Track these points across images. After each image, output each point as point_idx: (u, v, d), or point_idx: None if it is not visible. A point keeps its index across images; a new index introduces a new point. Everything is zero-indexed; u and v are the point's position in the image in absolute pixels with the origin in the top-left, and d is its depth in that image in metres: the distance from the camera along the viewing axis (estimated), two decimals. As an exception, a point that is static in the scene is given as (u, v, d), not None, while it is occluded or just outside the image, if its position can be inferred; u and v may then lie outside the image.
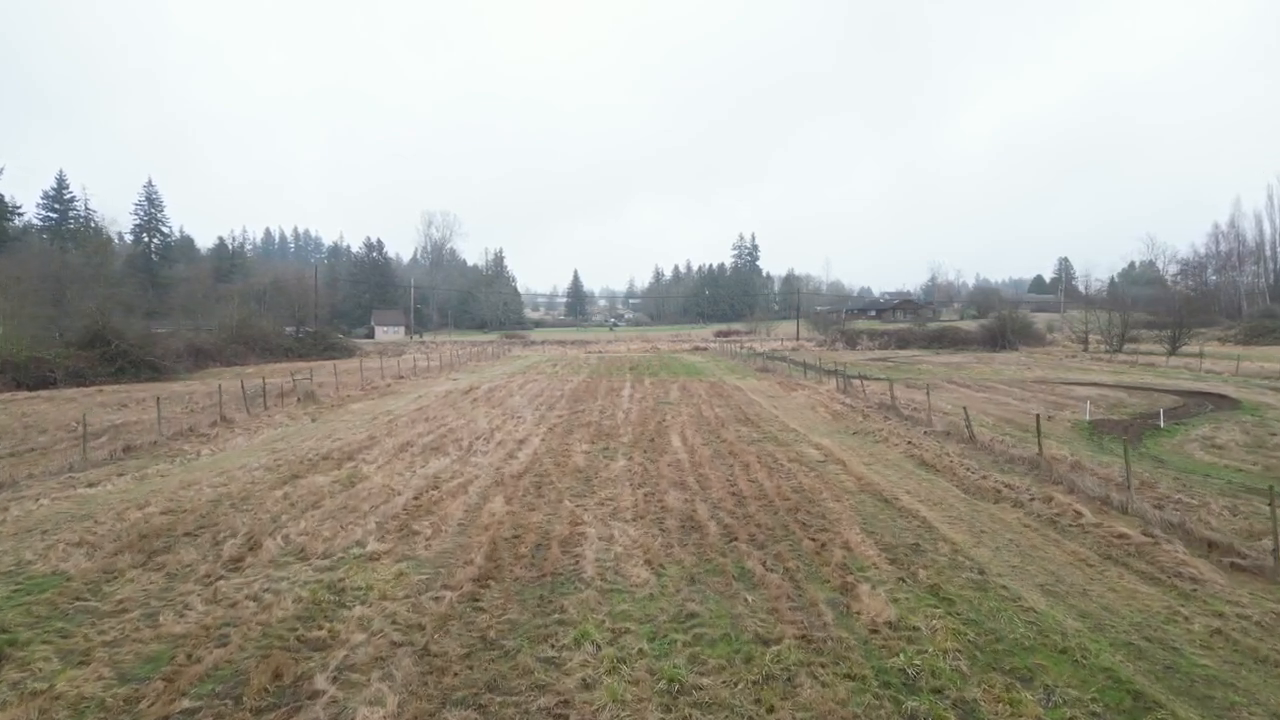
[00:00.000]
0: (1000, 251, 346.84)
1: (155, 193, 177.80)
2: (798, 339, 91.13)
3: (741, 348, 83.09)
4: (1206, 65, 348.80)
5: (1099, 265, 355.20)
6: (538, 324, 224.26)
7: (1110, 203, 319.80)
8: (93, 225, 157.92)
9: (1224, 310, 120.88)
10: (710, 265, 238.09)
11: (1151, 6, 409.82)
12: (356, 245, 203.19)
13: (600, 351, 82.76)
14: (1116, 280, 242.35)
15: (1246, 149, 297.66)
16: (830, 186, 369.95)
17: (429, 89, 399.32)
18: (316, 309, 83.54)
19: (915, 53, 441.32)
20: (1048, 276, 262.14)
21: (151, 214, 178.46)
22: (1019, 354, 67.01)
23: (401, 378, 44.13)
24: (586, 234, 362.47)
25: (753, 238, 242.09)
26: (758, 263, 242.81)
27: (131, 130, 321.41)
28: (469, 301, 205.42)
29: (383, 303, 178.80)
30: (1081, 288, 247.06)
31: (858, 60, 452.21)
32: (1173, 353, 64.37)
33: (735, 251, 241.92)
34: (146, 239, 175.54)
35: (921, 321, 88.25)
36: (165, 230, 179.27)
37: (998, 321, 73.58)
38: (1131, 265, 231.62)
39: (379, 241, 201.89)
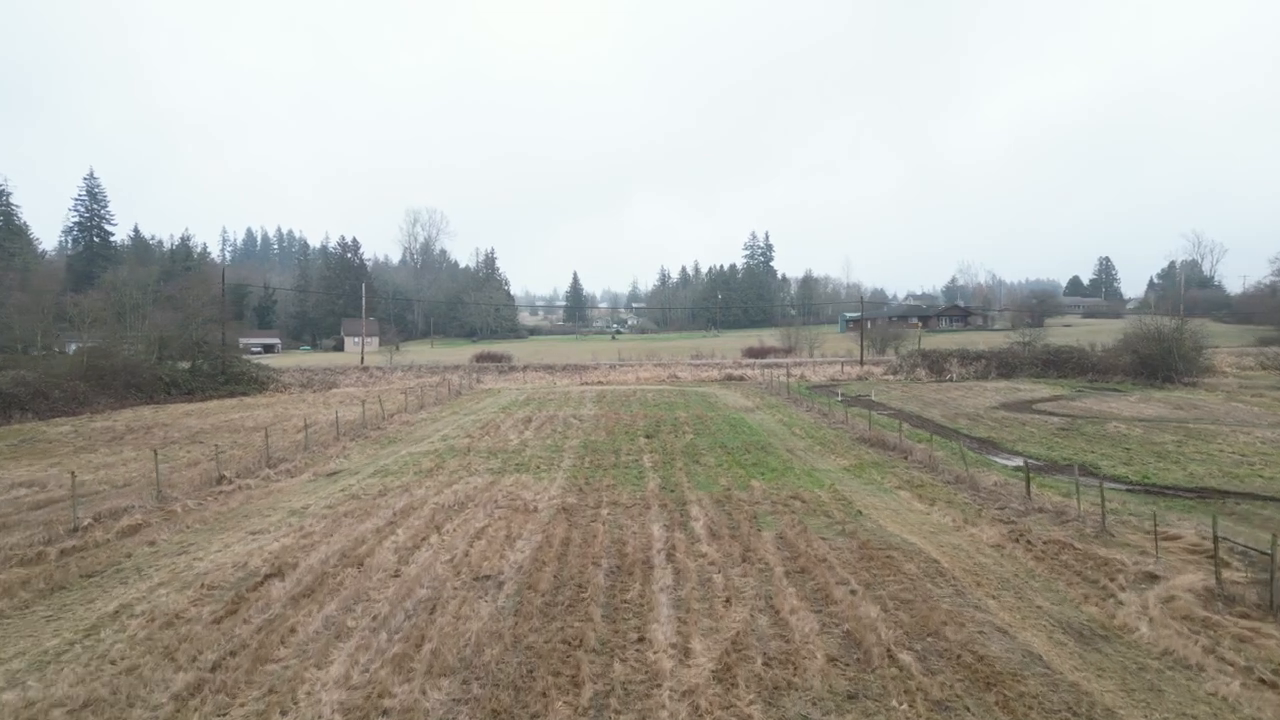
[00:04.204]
0: (1017, 250, 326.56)
1: (98, 186, 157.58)
2: (861, 363, 69.95)
3: (789, 375, 62.02)
4: (1223, 65, 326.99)
5: (1134, 266, 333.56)
6: (533, 331, 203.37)
7: (1135, 201, 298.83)
8: (16, 223, 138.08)
9: None
10: (720, 266, 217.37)
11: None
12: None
13: (600, 383, 61.60)
14: (1156, 281, 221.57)
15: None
16: (845, 185, 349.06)
17: (429, 91, 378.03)
18: (224, 327, 62.46)
19: (923, 53, 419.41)
20: (1085, 277, 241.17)
21: (94, 210, 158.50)
22: (1213, 395, 45.75)
23: (227, 484, 23.05)
24: (588, 235, 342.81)
25: (766, 237, 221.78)
26: (772, 263, 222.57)
27: (119, 128, 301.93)
28: (457, 307, 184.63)
29: (358, 310, 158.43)
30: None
31: (870, 57, 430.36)
32: None
33: (747, 251, 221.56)
34: (88, 239, 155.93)
35: (1030, 339, 66.88)
36: (109, 229, 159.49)
37: (1156, 344, 52.25)
38: (1172, 265, 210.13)
39: (354, 241, 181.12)
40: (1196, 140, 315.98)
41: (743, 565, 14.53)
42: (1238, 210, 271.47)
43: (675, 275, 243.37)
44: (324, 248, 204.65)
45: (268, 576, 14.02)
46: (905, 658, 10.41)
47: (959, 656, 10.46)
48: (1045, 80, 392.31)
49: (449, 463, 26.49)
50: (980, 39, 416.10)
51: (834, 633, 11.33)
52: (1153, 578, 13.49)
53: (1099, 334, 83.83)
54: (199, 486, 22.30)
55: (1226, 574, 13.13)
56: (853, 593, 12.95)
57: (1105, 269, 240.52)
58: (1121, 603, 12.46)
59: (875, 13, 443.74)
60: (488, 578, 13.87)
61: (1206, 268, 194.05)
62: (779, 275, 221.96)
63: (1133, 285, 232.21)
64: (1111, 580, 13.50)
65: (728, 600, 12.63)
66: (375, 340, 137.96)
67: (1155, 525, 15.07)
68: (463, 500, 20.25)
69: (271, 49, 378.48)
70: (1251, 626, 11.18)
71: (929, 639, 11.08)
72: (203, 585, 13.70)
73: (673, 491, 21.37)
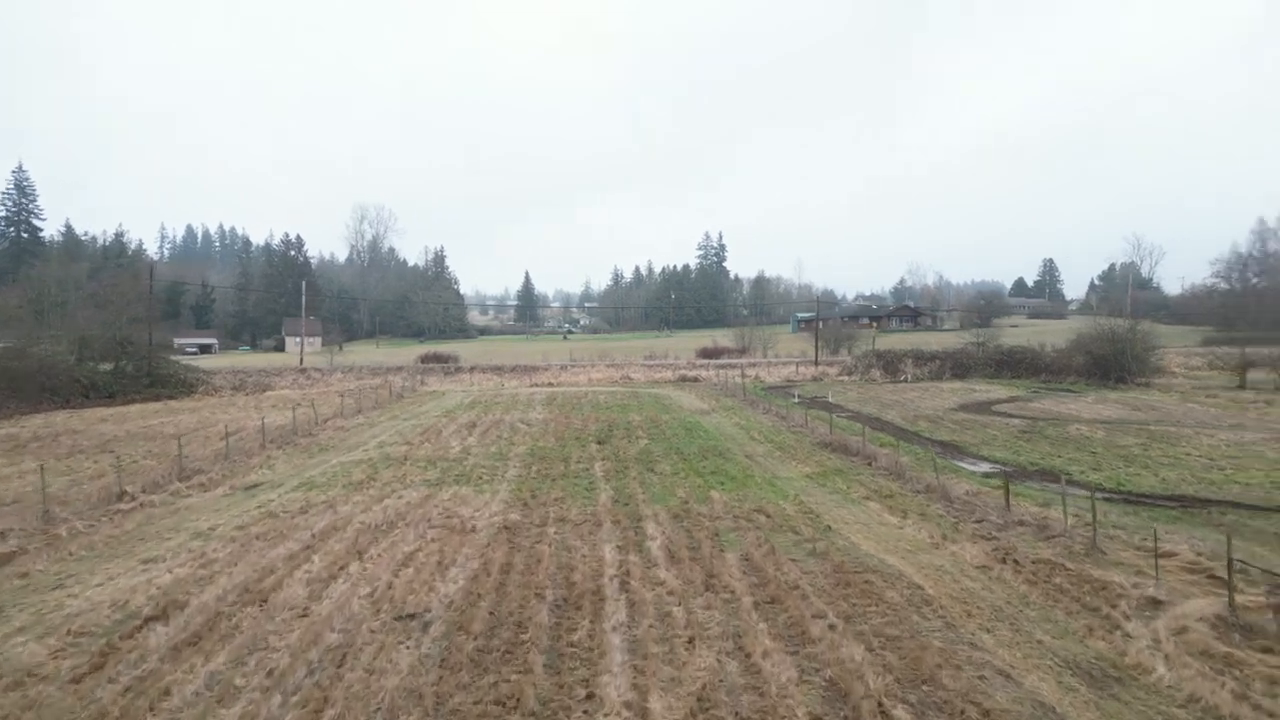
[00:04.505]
0: (964, 252, 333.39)
1: (27, 180, 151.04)
2: (816, 363, 69.07)
3: (743, 376, 60.84)
4: (1175, 72, 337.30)
5: (1073, 267, 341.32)
6: (483, 331, 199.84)
7: (1078, 204, 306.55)
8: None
9: (1255, 321, 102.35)
10: (674, 266, 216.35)
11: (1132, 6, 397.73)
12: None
13: (550, 385, 59.61)
14: (1097, 283, 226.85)
15: (1228, 148, 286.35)
16: (798, 187, 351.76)
17: (388, 88, 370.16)
18: (152, 326, 59.04)
19: (884, 59, 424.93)
20: (1029, 279, 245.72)
21: (22, 205, 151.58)
22: (1168, 395, 45.68)
23: (129, 500, 20.64)
24: (541, 234, 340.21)
25: (719, 237, 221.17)
26: (725, 264, 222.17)
27: (60, 121, 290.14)
28: (405, 306, 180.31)
29: (305, 307, 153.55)
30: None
31: (824, 61, 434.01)
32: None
33: (700, 252, 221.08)
34: (15, 234, 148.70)
35: (983, 340, 66.69)
36: (38, 224, 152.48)
37: (1109, 345, 52.16)
38: (1112, 268, 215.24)
39: (298, 238, 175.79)
40: (1139, 148, 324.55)
41: (706, 595, 12.88)
42: (1174, 214, 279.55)
43: (629, 275, 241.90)
44: (267, 245, 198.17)
45: (149, 619, 11.92)
46: (900, 714, 8.84)
47: (962, 711, 8.93)
48: (1001, 89, 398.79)
49: (382, 474, 24.39)
50: (938, 44, 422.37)
51: (815, 681, 9.72)
52: (1156, 603, 12.20)
53: (1046, 334, 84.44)
54: (95, 505, 19.91)
55: (1237, 598, 11.87)
56: (831, 628, 11.37)
57: (1049, 270, 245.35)
58: (1130, 635, 11.09)
59: (842, 24, 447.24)
60: (412, 616, 11.98)
61: (1145, 270, 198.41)
62: (732, 276, 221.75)
63: (1074, 287, 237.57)
64: (1113, 607, 12.16)
65: (690, 641, 10.95)
66: (318, 340, 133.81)
67: (1156, 543, 13.80)
68: (393, 519, 18.24)
69: (222, 41, 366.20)
70: (1281, 665, 9.87)
71: (924, 688, 9.54)
72: (69, 631, 11.56)
73: (626, 505, 19.65)
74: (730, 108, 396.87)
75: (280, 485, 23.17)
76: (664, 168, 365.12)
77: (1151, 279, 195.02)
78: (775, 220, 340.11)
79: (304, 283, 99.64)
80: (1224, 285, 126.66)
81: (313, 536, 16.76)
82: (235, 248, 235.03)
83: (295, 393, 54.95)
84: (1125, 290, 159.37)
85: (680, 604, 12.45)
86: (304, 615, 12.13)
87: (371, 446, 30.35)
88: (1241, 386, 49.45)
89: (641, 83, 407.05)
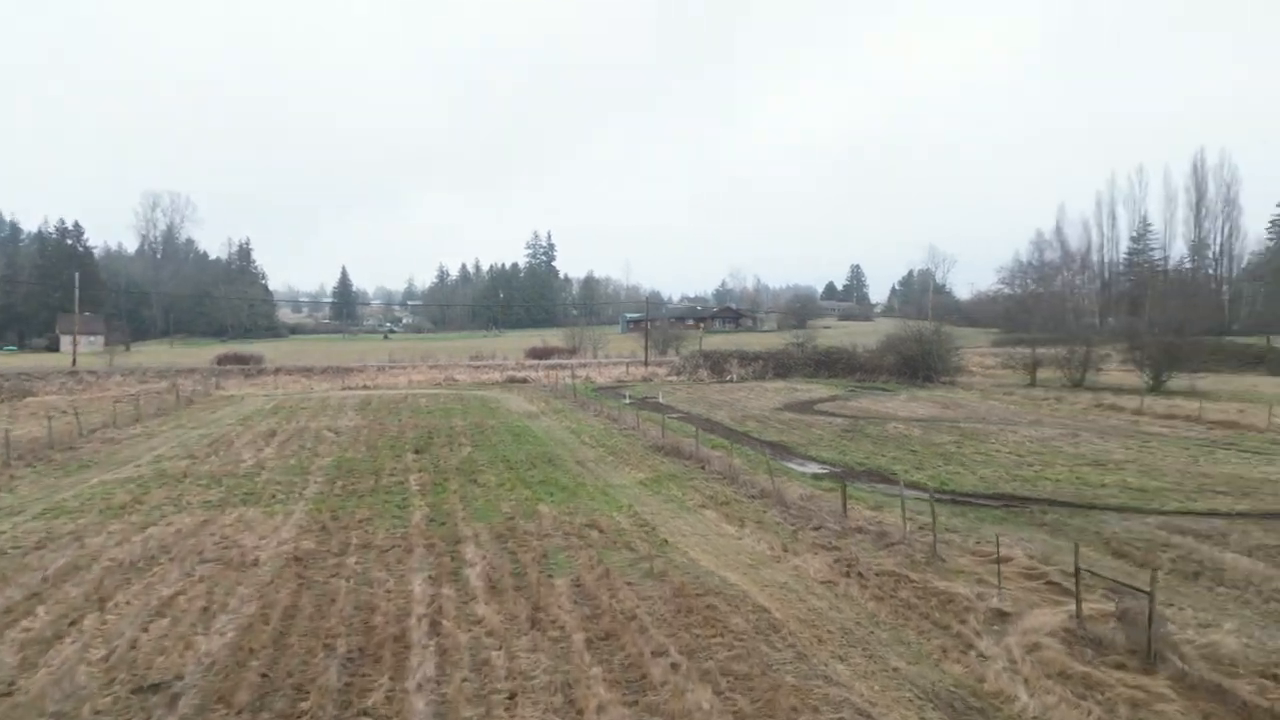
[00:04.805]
0: (779, 256, 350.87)
1: None
2: (646, 364, 68.69)
3: (574, 377, 59.44)
4: (965, 94, 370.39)
5: (877, 274, 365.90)
6: (294, 330, 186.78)
7: (886, 214, 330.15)
8: None
9: (1042, 324, 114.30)
10: (502, 264, 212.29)
11: (950, 24, 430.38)
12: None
13: (366, 388, 55.36)
14: (898, 288, 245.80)
15: (1014, 167, 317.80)
16: (625, 190, 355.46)
17: (179, 65, 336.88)
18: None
19: (713, 68, 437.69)
20: (839, 283, 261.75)
21: None
22: (970, 394, 48.60)
23: None
24: (361, 228, 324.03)
25: (549, 236, 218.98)
26: (554, 263, 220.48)
27: None
28: (205, 302, 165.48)
29: (84, 303, 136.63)
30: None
31: (652, 72, 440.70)
32: (1156, 388, 48.72)
33: (529, 251, 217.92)
34: None
35: (803, 341, 68.88)
36: None
37: (917, 345, 55.08)
38: (910, 274, 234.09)
39: (76, 226, 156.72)
40: (934, 163, 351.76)
41: (532, 633, 11.12)
42: (965, 226, 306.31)
43: (455, 273, 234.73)
44: (40, 233, 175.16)
45: None
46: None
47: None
48: (810, 104, 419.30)
49: (153, 494, 20.78)
50: (755, 57, 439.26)
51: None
52: (1003, 615, 11.72)
53: (856, 335, 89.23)
54: None
55: (1082, 607, 11.55)
56: (674, 668, 9.94)
57: (856, 276, 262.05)
58: (985, 655, 10.43)
59: (673, 27, 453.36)
60: (156, 687, 9.43)
61: (939, 276, 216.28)
62: (561, 275, 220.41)
63: (878, 291, 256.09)
64: (963, 623, 11.55)
65: (511, 697, 9.18)
66: (100, 339, 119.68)
67: (998, 550, 13.45)
68: (154, 552, 15.14)
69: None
70: (1139, 684, 9.42)
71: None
72: None
73: (444, 525, 17.50)
74: (558, 110, 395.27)
75: (20, 512, 19.14)
76: (492, 166, 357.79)
77: (945, 285, 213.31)
78: (603, 221, 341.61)
79: (77, 275, 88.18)
80: (1008, 290, 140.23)
81: (43, 580, 13.50)
82: (1, 235, 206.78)
83: (62, 399, 47.82)
84: (925, 295, 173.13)
85: (501, 647, 10.63)
86: (7, 694, 9.28)
87: (145, 461, 26.17)
88: (1033, 384, 53.66)
89: (470, 80, 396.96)
